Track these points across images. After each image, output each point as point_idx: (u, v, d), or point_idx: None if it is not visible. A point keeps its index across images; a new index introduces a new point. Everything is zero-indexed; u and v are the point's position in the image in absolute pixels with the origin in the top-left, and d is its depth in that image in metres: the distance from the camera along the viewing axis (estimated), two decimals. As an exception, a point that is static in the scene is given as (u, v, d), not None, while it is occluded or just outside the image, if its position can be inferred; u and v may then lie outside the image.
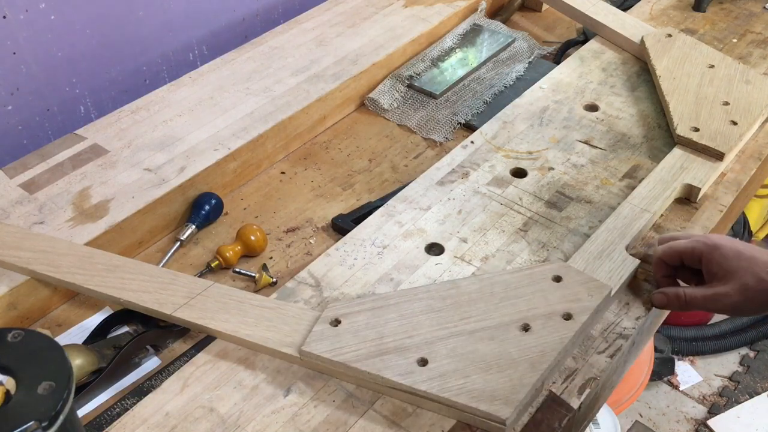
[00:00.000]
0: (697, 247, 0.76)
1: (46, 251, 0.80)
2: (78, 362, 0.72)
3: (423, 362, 0.69)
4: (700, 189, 0.91)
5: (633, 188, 0.91)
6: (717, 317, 2.07)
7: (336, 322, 0.73)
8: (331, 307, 0.74)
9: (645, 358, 1.76)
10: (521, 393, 0.67)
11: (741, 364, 1.99)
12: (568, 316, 0.73)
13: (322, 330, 0.72)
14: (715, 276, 0.75)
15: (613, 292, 0.77)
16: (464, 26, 1.27)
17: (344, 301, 0.76)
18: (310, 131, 1.07)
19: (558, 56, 1.24)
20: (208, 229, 0.93)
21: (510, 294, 0.75)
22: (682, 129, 0.97)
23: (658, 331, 1.88)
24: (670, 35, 1.14)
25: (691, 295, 0.76)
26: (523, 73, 1.19)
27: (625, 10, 1.27)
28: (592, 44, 1.19)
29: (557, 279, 0.77)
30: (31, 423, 0.50)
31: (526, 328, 0.72)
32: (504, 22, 1.33)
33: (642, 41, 1.14)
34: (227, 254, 0.86)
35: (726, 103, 1.01)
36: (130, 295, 0.76)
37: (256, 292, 0.83)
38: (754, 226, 2.14)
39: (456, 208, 0.89)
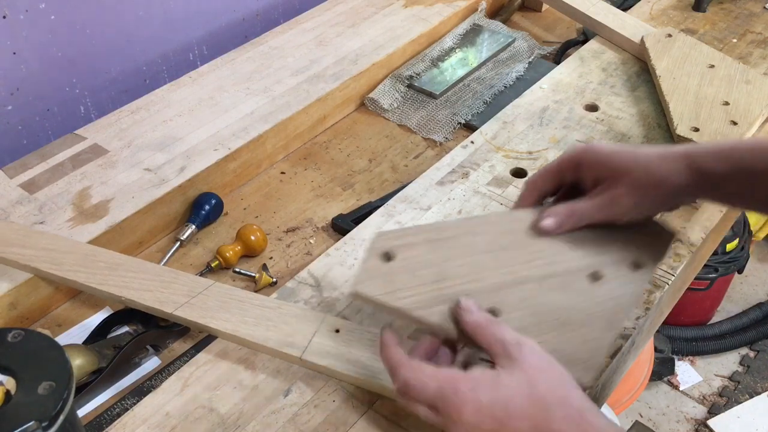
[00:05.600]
0: (573, 154, 0.69)
1: (48, 249, 0.80)
2: (78, 362, 0.72)
3: (494, 313, 0.63)
4: (700, 189, 0.91)
5: (633, 188, 0.91)
6: (717, 317, 2.07)
7: (388, 257, 0.64)
8: (380, 236, 0.64)
9: (645, 358, 1.76)
10: (600, 356, 0.62)
11: (741, 364, 1.99)
12: (636, 266, 0.67)
13: (374, 266, 0.63)
14: (602, 179, 0.68)
15: None
16: (464, 26, 1.27)
17: (395, 231, 0.66)
18: (310, 131, 1.07)
19: (558, 56, 1.24)
20: (208, 229, 0.93)
21: (578, 233, 0.68)
22: (682, 129, 0.97)
23: (658, 331, 1.88)
24: (670, 35, 1.14)
25: (583, 207, 0.69)
26: (523, 73, 1.19)
27: (625, 10, 1.27)
28: (592, 44, 1.19)
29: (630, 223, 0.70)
30: (31, 423, 0.50)
31: (596, 276, 0.66)
32: (504, 22, 1.33)
33: (642, 41, 1.14)
34: (227, 254, 0.86)
35: (726, 103, 1.01)
36: (132, 294, 0.76)
37: (256, 292, 0.83)
38: (754, 226, 2.15)
39: (456, 208, 0.89)
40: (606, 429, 0.55)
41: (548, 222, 0.68)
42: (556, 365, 0.58)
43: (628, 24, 1.19)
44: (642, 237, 0.69)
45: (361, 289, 0.63)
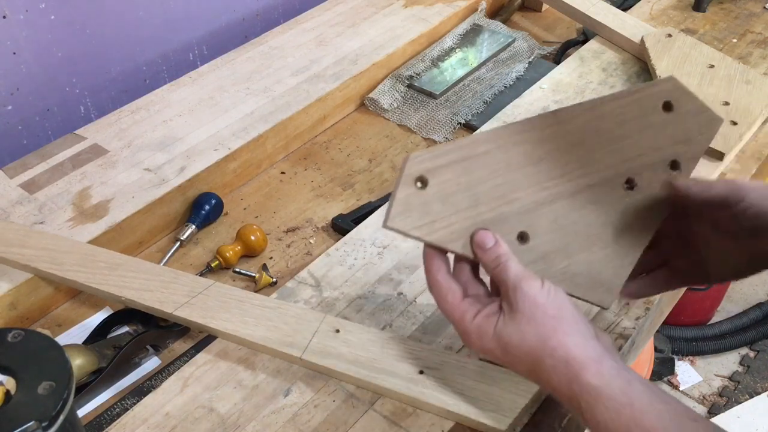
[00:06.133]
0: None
1: (48, 249, 0.80)
2: (78, 362, 0.72)
3: (523, 238, 0.62)
4: (700, 189, 0.91)
5: (633, 188, 0.91)
6: (717, 317, 2.07)
7: (422, 182, 0.60)
8: (414, 159, 0.60)
9: (645, 358, 1.76)
10: (622, 276, 0.62)
11: (741, 364, 1.99)
12: (675, 165, 0.65)
13: (408, 196, 0.60)
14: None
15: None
16: (464, 26, 1.27)
17: (428, 151, 0.61)
18: (310, 131, 1.07)
19: (558, 56, 1.24)
20: (208, 229, 0.93)
21: (616, 132, 0.64)
22: (682, 129, 0.97)
23: (658, 331, 1.88)
24: (670, 35, 1.14)
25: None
26: (523, 73, 1.19)
27: (625, 10, 1.27)
28: (592, 44, 1.19)
29: (668, 107, 0.66)
30: (31, 423, 0.50)
31: (630, 183, 0.64)
32: (504, 22, 1.33)
33: (642, 41, 1.14)
34: (227, 254, 0.86)
35: (726, 103, 1.01)
36: (132, 294, 0.76)
37: (256, 292, 0.83)
38: (754, 226, 2.14)
39: (456, 208, 0.89)
40: (590, 380, 0.55)
41: (683, 183, 0.65)
42: (548, 311, 0.58)
43: (628, 24, 1.19)
44: (686, 127, 0.66)
45: (394, 224, 0.60)
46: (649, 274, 0.71)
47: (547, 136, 0.64)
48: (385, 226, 0.60)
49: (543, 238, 0.63)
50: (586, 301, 0.65)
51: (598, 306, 0.65)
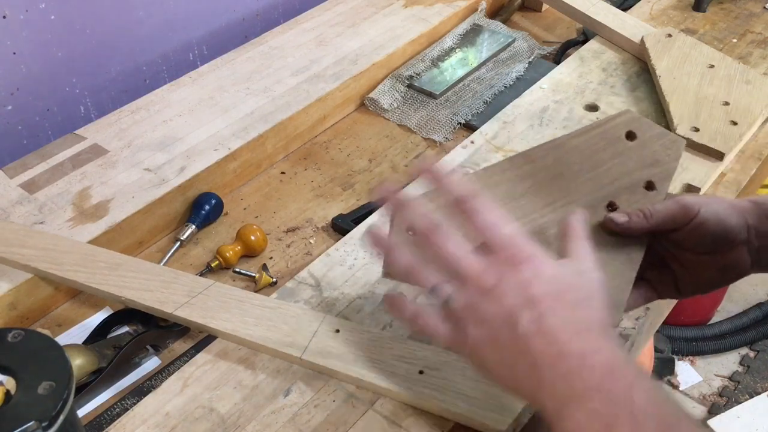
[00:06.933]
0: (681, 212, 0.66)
1: (48, 249, 0.80)
2: (78, 362, 0.72)
3: None
4: (699, 189, 0.91)
5: (633, 188, 0.91)
6: (717, 317, 2.07)
7: (413, 230, 0.65)
8: (400, 209, 0.64)
9: (645, 358, 1.76)
10: (625, 292, 0.64)
11: (741, 364, 1.99)
12: (650, 186, 0.68)
13: (400, 243, 0.64)
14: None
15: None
16: (464, 26, 1.27)
17: (413, 200, 0.64)
18: (310, 131, 1.07)
19: (558, 56, 1.24)
20: (208, 229, 0.93)
21: (587, 163, 0.69)
22: (682, 129, 0.97)
23: (658, 331, 1.88)
24: (670, 35, 1.14)
25: (658, 209, 0.66)
26: (523, 73, 1.19)
27: (625, 10, 1.27)
28: (592, 44, 1.19)
29: (630, 136, 0.70)
30: (31, 423, 0.50)
31: (612, 206, 0.68)
32: (504, 22, 1.33)
33: (642, 41, 1.14)
34: (227, 254, 0.86)
35: (726, 103, 1.01)
36: (132, 294, 0.76)
37: (256, 292, 0.83)
38: (754, 226, 2.14)
39: (456, 208, 0.89)
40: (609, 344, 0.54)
41: (621, 218, 0.67)
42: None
43: (628, 24, 1.19)
44: (652, 151, 0.69)
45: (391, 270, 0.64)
46: None
47: (524, 173, 0.69)
48: (383, 274, 0.64)
49: None
50: None
51: None
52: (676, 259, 0.69)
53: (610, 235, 0.67)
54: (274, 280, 0.85)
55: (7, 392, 0.52)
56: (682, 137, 0.71)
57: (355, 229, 0.87)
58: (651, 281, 0.70)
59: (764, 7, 1.31)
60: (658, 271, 0.70)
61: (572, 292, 0.56)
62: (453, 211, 0.60)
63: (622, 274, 0.66)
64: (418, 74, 1.16)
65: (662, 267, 0.70)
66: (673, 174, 0.69)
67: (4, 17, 0.98)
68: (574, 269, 0.59)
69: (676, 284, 0.70)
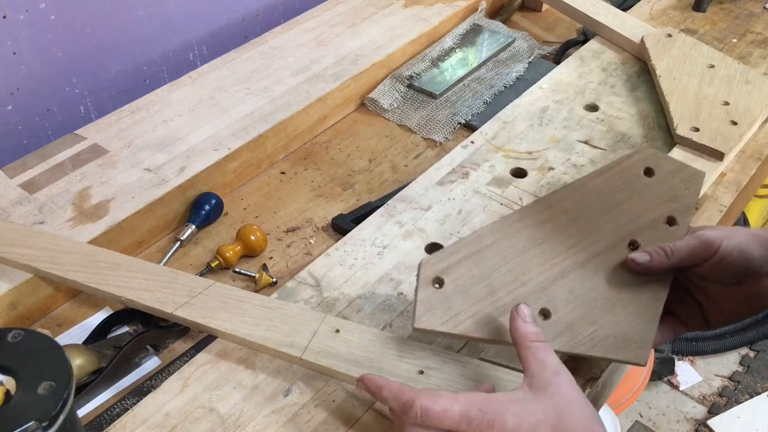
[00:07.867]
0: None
1: (48, 249, 0.80)
2: (78, 362, 0.72)
3: (545, 315, 0.64)
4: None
5: (633, 188, 0.91)
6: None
7: (439, 282, 0.66)
8: (426, 263, 0.66)
9: (645, 358, 1.76)
10: (651, 330, 0.64)
11: (741, 364, 1.99)
12: (671, 221, 0.68)
13: (428, 296, 0.65)
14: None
15: None
16: (464, 26, 1.27)
17: (438, 254, 0.67)
18: (310, 131, 1.07)
19: (558, 56, 1.24)
20: (208, 229, 0.93)
21: (607, 203, 0.69)
22: (682, 129, 0.97)
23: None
24: (670, 35, 1.14)
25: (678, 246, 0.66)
26: (523, 73, 1.19)
27: (625, 10, 1.27)
28: (592, 44, 1.19)
29: (649, 172, 0.70)
30: (31, 423, 0.50)
31: (634, 245, 0.67)
32: (504, 22, 1.33)
33: (642, 41, 1.14)
34: (227, 254, 0.86)
35: (726, 103, 1.01)
36: (132, 294, 0.76)
37: (256, 292, 0.83)
38: (754, 226, 2.14)
39: (456, 208, 0.89)
40: None
41: (642, 258, 0.67)
42: (586, 401, 0.58)
43: (628, 24, 1.19)
44: (671, 185, 0.70)
45: (421, 323, 0.65)
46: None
47: (544, 219, 0.69)
48: (413, 328, 0.65)
49: (564, 310, 0.65)
50: (622, 361, 0.65)
51: (635, 364, 0.65)
52: (701, 292, 0.69)
53: (633, 273, 0.67)
54: (274, 280, 0.85)
55: (7, 392, 0.52)
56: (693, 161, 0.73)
57: (355, 229, 0.87)
58: (679, 315, 0.70)
59: (764, 7, 1.31)
60: (685, 304, 0.70)
61: None
62: (401, 419, 0.59)
63: (647, 312, 0.66)
64: (418, 74, 1.16)
65: (689, 300, 0.70)
66: (693, 207, 0.69)
67: (4, 17, 0.98)
68: (549, 413, 0.55)
69: (704, 316, 0.70)
